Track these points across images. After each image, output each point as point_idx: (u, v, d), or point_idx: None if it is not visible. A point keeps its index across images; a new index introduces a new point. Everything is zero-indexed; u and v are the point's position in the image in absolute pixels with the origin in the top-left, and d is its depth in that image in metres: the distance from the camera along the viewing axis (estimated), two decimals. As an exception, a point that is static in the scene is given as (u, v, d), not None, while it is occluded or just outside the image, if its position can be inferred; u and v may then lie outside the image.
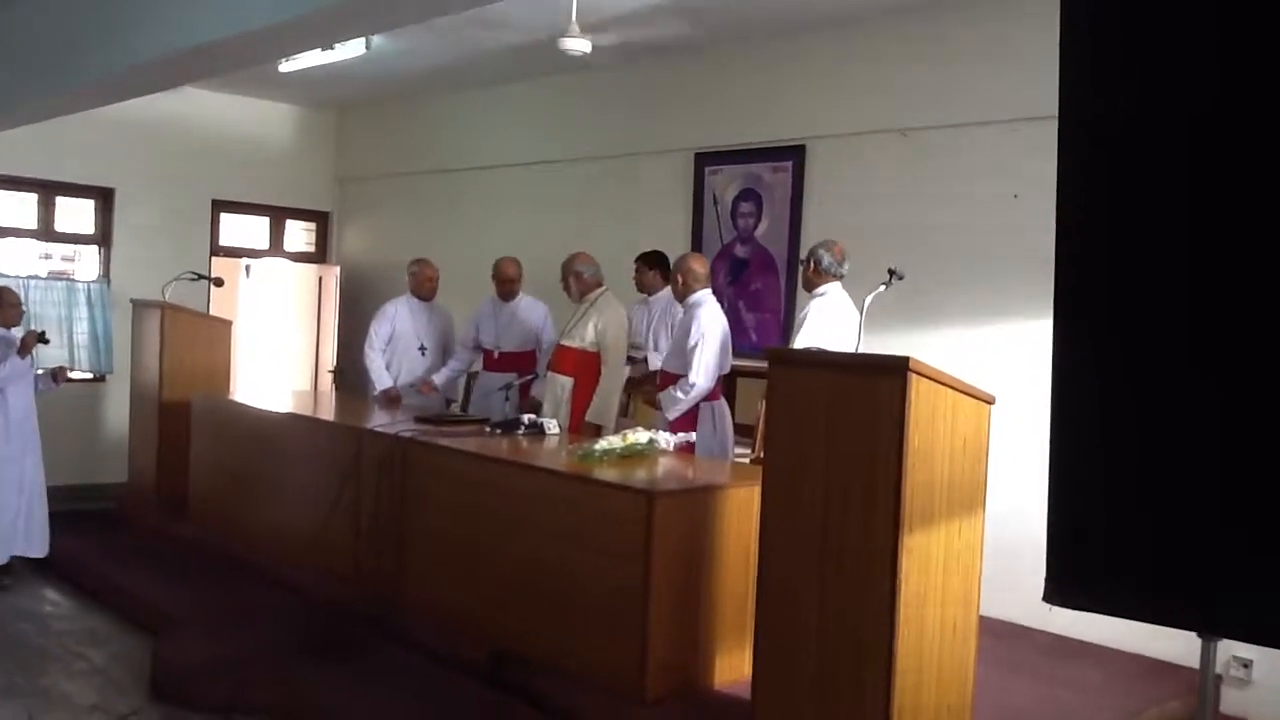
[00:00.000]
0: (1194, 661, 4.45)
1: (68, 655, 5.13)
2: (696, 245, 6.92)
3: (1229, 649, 4.52)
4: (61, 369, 6.71)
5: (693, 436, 5.28)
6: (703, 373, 5.30)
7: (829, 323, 5.04)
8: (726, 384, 5.84)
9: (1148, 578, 1.61)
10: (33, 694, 4.60)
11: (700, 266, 5.58)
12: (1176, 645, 4.56)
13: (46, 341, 6.42)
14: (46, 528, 6.35)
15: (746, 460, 5.65)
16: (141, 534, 7.06)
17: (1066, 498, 1.67)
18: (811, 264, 5.22)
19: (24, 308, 6.60)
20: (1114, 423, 1.61)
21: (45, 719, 4.32)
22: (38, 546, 6.32)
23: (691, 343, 5.33)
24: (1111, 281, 1.60)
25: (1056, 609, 1.79)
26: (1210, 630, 1.72)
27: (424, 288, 7.19)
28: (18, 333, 6.35)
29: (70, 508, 7.32)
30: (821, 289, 5.19)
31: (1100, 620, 4.07)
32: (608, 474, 4.50)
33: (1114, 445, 1.61)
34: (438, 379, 6.97)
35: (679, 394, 5.32)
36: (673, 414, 5.35)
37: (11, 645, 5.26)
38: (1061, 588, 1.69)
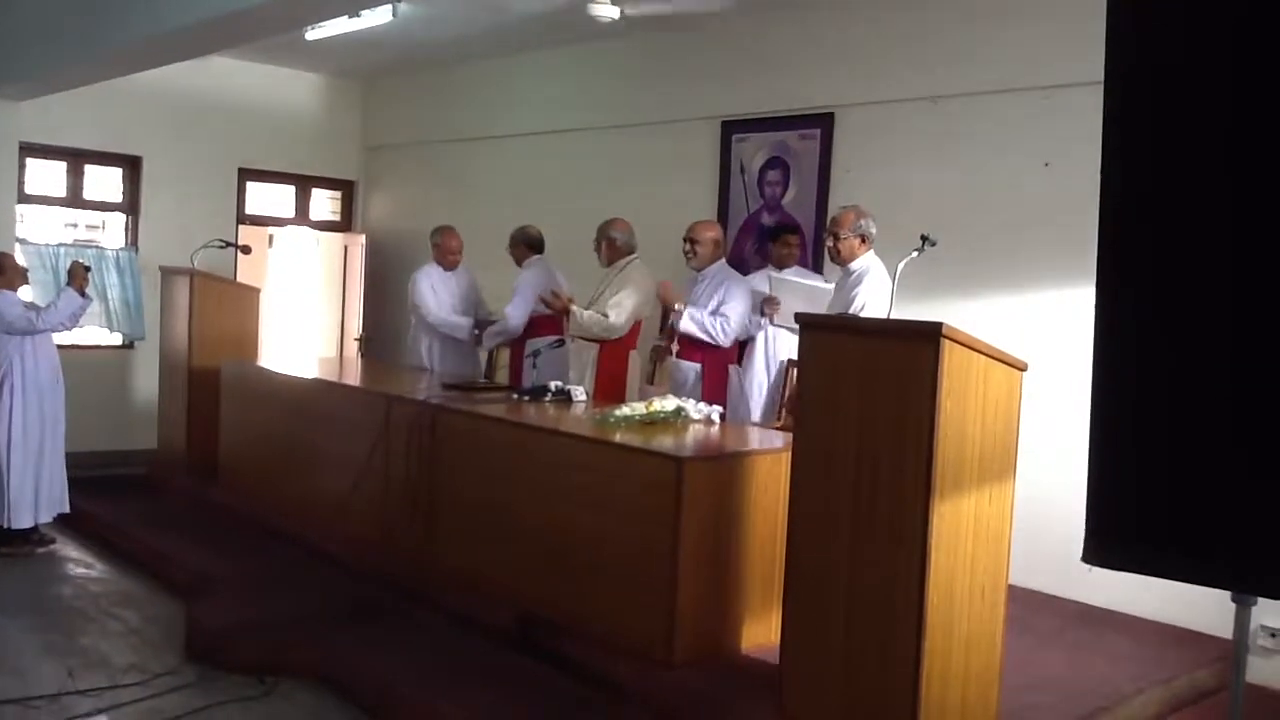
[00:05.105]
0: (1222, 631, 4.46)
1: (104, 616, 5.22)
2: (722, 213, 6.90)
3: (1258, 618, 4.51)
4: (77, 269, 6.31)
5: (720, 410, 5.28)
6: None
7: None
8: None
9: (1186, 537, 1.61)
10: (72, 653, 4.69)
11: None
12: (1206, 614, 4.56)
13: (88, 268, 6.33)
14: (65, 489, 6.37)
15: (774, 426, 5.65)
16: (173, 499, 7.15)
17: (1106, 458, 1.67)
18: (861, 238, 4.98)
19: (26, 269, 6.57)
20: (1154, 383, 1.61)
21: (85, 677, 4.40)
22: (47, 511, 6.31)
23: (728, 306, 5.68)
24: (1154, 240, 1.59)
25: (1094, 572, 1.79)
26: (1247, 589, 1.72)
27: (446, 260, 7.16)
28: (26, 292, 6.35)
29: (102, 473, 7.42)
30: (862, 258, 5.00)
31: (1130, 589, 4.08)
32: (636, 440, 4.52)
33: (1153, 406, 1.61)
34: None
35: (713, 329, 5.66)
36: (686, 327, 5.65)
37: (50, 606, 5.36)
38: (1100, 547, 1.69)
